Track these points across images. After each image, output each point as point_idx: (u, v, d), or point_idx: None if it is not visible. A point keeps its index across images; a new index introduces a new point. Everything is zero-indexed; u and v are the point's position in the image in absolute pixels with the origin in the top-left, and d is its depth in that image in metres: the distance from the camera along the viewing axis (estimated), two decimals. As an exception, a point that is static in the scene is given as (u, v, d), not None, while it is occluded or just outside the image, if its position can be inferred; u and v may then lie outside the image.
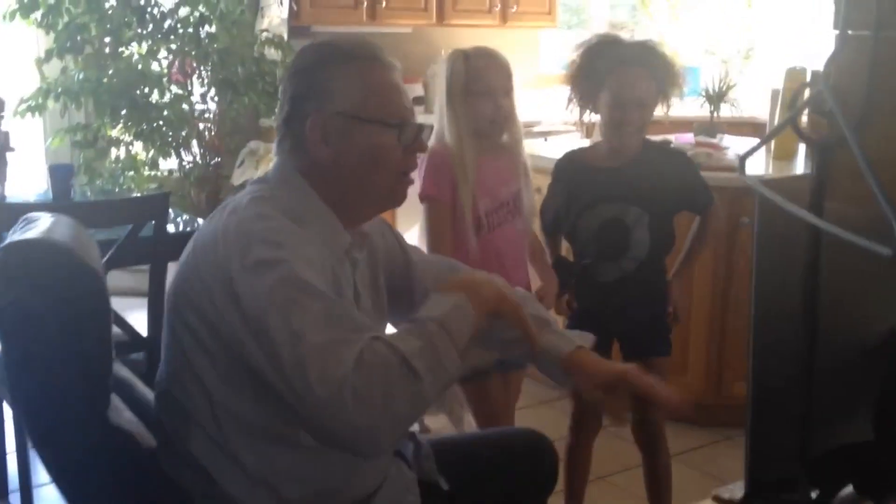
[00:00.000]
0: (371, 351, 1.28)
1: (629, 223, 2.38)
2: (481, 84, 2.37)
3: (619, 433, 2.95)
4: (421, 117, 5.71)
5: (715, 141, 3.79)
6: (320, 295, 1.32)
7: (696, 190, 2.49)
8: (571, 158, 2.53)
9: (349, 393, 1.24)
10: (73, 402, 1.36)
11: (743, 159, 1.09)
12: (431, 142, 2.43)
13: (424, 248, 2.38)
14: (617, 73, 2.30)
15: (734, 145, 3.89)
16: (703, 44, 6.51)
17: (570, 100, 2.42)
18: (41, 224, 1.48)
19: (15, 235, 1.45)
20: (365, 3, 5.09)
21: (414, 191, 1.97)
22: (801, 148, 3.82)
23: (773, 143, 3.82)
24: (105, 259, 2.54)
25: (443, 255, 2.28)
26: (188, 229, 3.19)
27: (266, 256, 1.34)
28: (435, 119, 2.44)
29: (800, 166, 3.72)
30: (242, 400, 1.41)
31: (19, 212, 1.67)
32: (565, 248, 2.63)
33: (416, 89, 5.50)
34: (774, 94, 3.95)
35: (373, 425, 1.27)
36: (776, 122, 3.84)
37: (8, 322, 1.34)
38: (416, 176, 2.02)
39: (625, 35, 2.37)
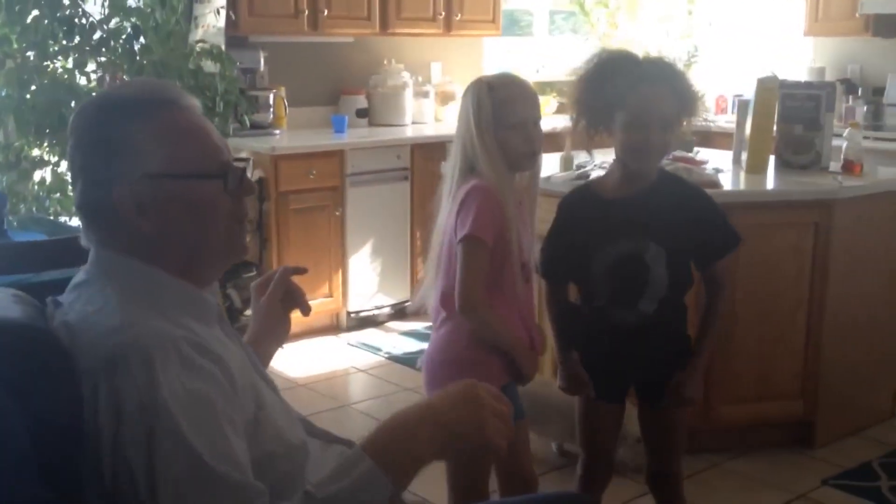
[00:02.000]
0: None
1: (647, 261, 2.15)
2: (514, 116, 2.13)
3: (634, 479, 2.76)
4: (365, 131, 5.49)
5: (691, 155, 3.64)
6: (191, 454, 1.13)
7: (718, 231, 2.23)
8: (580, 192, 2.30)
9: None
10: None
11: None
12: (447, 170, 2.21)
13: (455, 290, 2.13)
14: (638, 91, 2.07)
15: (712, 159, 3.76)
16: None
17: (577, 120, 2.18)
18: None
19: None
20: (306, 12, 4.81)
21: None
22: (772, 161, 3.72)
23: (743, 156, 3.72)
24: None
25: (480, 301, 2.11)
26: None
27: (143, 392, 1.14)
28: (454, 153, 2.20)
29: (770, 181, 3.61)
30: None
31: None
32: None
33: (360, 101, 5.26)
34: (743, 104, 3.85)
35: None
36: (747, 132, 3.72)
37: None
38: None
39: (635, 52, 2.17)
